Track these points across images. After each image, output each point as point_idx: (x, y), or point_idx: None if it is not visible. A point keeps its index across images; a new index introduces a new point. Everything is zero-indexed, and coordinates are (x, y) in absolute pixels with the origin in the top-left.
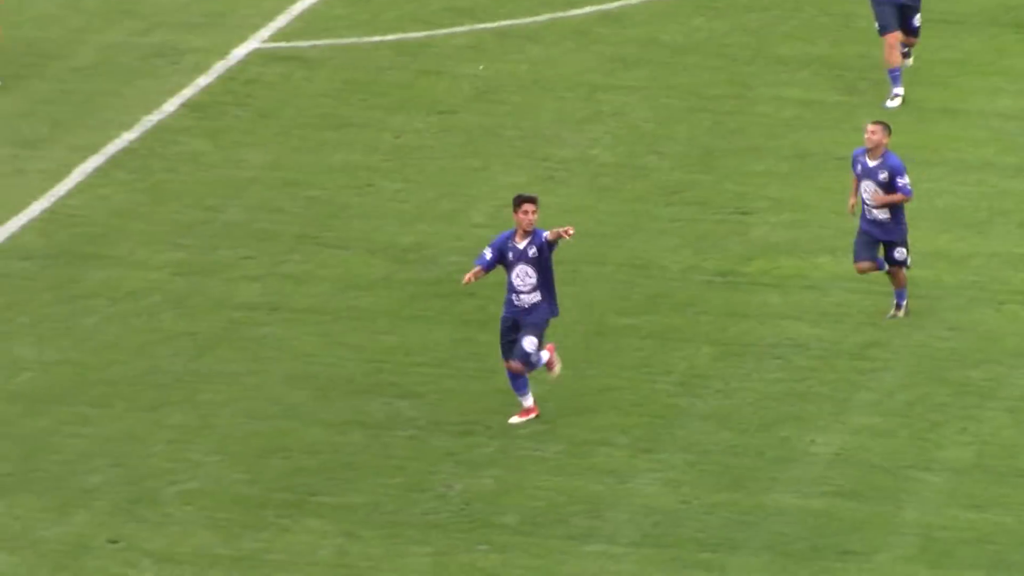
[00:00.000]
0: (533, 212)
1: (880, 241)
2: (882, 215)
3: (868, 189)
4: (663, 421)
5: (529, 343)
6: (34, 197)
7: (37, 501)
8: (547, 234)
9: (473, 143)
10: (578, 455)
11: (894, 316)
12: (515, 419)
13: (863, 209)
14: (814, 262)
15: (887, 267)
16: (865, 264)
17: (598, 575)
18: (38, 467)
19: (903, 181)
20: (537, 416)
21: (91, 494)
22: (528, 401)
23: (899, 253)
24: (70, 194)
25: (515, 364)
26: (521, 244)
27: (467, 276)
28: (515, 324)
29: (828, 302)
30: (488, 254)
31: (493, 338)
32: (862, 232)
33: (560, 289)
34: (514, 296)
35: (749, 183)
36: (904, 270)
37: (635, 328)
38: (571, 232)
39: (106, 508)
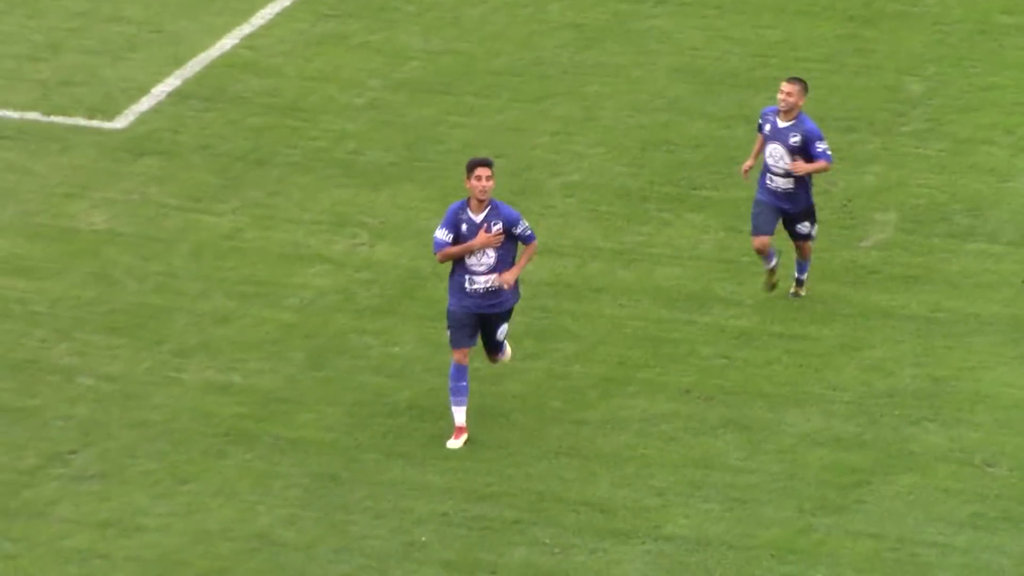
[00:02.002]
0: (488, 178)
1: (781, 212)
2: (786, 184)
3: (775, 153)
4: None
5: (503, 332)
6: None
7: (421, 191)
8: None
9: None
10: (960, 153)
11: (796, 294)
12: (452, 443)
13: (764, 176)
14: None
15: (774, 262)
16: (765, 239)
17: (979, 273)
18: (422, 157)
19: (823, 146)
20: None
21: None
22: (461, 417)
23: (803, 227)
24: None
25: (498, 357)
26: (478, 216)
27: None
28: (476, 320)
29: None
30: (445, 234)
31: (879, 34)
32: (760, 202)
33: None
34: (467, 279)
35: None
36: (810, 242)
37: (1020, 26)
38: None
39: None
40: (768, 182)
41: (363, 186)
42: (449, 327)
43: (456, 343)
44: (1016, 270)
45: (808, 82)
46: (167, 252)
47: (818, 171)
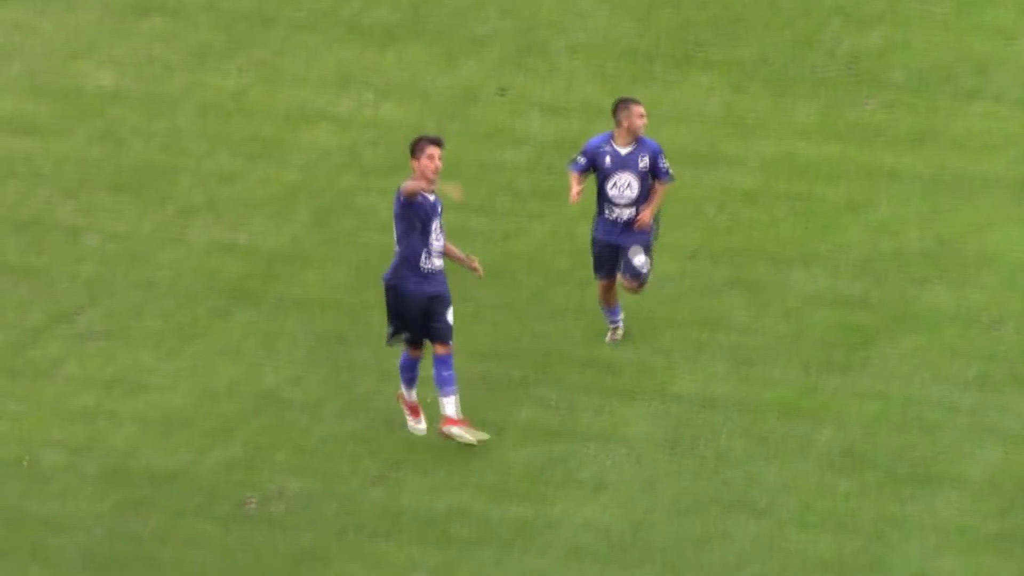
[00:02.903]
0: (440, 157)
1: (620, 247)
2: (630, 214)
3: (621, 182)
4: None
5: (451, 316)
6: None
7: (427, 50)
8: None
9: None
10: (966, 13)
11: (613, 340)
12: (418, 426)
13: (603, 210)
14: None
15: (620, 316)
16: (611, 281)
17: (984, 133)
18: (427, 15)
19: (665, 163)
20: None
21: (480, 43)
22: (414, 396)
23: (639, 260)
24: None
25: (442, 348)
26: (431, 196)
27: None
28: (427, 301)
29: None
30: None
31: None
32: (599, 241)
33: None
34: (424, 259)
35: None
36: (640, 288)
37: None
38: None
39: (495, 58)
40: (608, 214)
41: (368, 45)
42: (390, 324)
43: (413, 337)
44: (1021, 130)
45: None
46: (172, 111)
47: (662, 202)
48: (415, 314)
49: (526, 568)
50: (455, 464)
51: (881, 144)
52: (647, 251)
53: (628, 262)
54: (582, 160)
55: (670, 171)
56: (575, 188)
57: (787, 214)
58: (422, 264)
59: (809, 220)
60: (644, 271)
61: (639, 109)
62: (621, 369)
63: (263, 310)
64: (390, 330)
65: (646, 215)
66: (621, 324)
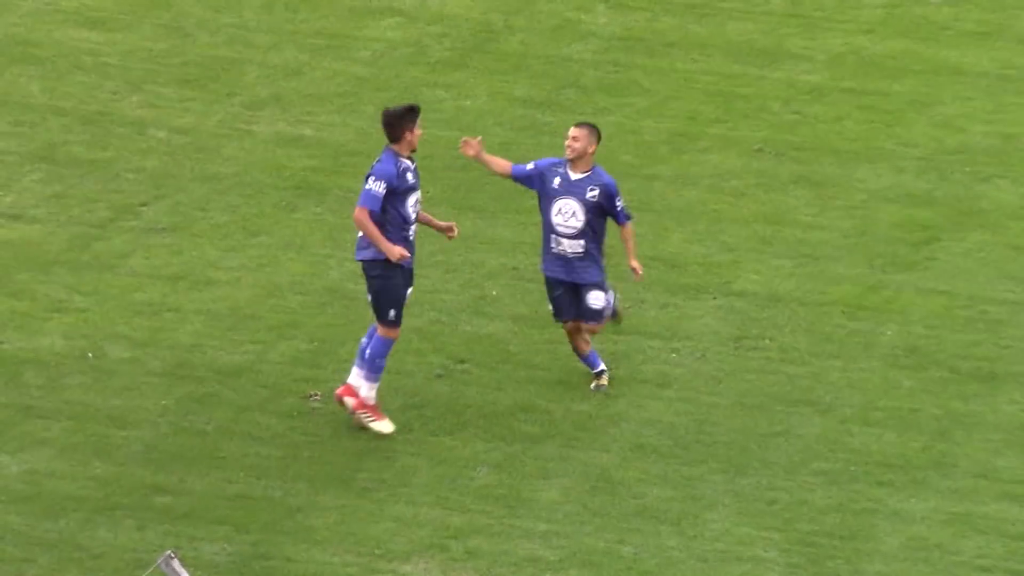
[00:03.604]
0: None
1: (577, 285)
2: (575, 247)
3: (567, 210)
4: None
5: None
6: None
7: None
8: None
9: None
10: None
11: (600, 387)
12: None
13: (549, 240)
14: None
15: (600, 366)
16: (575, 323)
17: None
18: None
19: (620, 203)
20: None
21: None
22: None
23: (595, 299)
24: None
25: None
26: (413, 167)
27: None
28: (407, 280)
29: None
30: (381, 188)
31: None
32: (553, 281)
33: None
34: (410, 232)
35: None
36: (600, 324)
37: None
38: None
39: None
40: (554, 246)
41: None
42: (394, 306)
43: (400, 320)
44: None
45: None
46: (238, 4)
47: (635, 243)
48: (402, 294)
49: (590, 464)
50: (520, 360)
51: (947, 40)
52: (603, 287)
53: (585, 305)
54: (529, 167)
55: (627, 211)
56: (488, 158)
57: (852, 110)
58: (409, 236)
59: (874, 116)
60: (604, 309)
61: (570, 130)
62: (686, 265)
63: (329, 204)
64: None
65: (637, 267)
66: (606, 370)
